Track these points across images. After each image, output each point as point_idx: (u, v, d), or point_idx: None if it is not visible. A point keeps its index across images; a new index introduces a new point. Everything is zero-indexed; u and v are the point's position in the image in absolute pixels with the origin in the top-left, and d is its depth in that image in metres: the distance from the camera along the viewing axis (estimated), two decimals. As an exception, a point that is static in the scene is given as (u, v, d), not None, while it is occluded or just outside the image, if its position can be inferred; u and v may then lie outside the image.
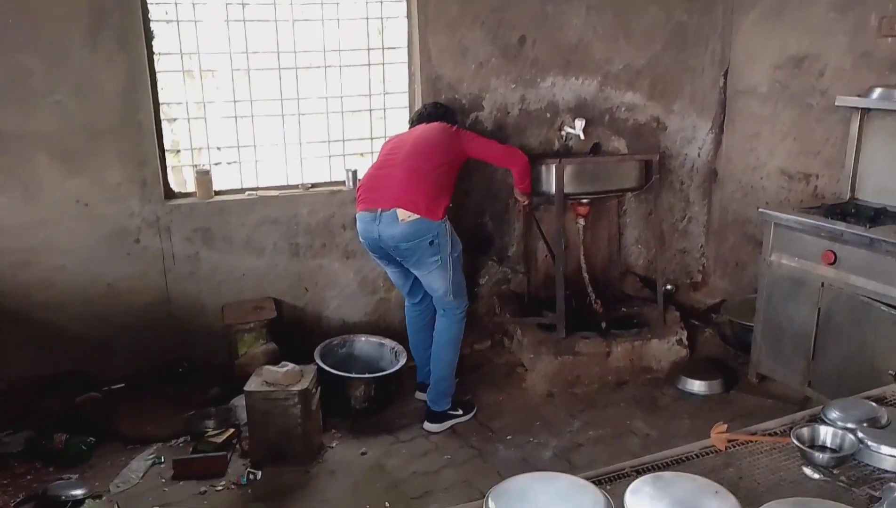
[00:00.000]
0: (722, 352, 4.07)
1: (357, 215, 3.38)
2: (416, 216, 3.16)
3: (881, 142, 3.49)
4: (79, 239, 3.55)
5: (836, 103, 3.60)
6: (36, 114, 3.36)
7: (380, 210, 3.22)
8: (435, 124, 3.52)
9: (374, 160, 3.89)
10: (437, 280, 3.32)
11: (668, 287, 4.56)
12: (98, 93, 3.44)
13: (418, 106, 3.92)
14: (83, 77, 3.40)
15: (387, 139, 3.70)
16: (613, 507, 1.61)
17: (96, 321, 3.64)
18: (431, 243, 3.21)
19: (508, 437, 3.30)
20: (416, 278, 3.47)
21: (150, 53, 3.55)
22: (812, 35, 3.90)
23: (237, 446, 3.20)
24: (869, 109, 3.50)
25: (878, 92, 3.40)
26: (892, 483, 1.80)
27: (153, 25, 3.54)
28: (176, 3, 3.57)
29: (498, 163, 3.74)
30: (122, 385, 3.65)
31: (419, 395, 3.65)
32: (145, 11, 3.49)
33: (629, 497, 1.70)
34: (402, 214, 3.17)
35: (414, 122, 3.66)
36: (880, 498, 1.72)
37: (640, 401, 3.62)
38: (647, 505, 1.67)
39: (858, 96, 3.50)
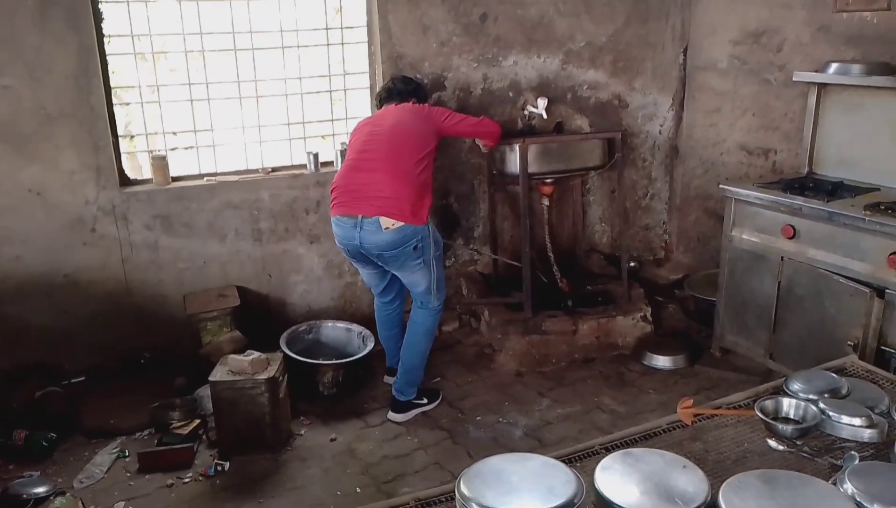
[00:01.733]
0: (686, 327, 4.13)
1: (333, 219, 3.19)
2: (401, 223, 3.03)
3: (838, 116, 3.55)
4: (34, 228, 3.44)
5: (794, 78, 3.64)
6: (-16, 100, 3.24)
7: (360, 216, 3.05)
8: (408, 107, 3.35)
9: (345, 147, 3.82)
10: (419, 279, 3.23)
11: (632, 264, 4.60)
12: (48, 75, 3.32)
13: (380, 85, 3.85)
14: (32, 59, 3.28)
15: (356, 125, 3.42)
16: (584, 485, 1.62)
17: (55, 313, 3.55)
18: (416, 248, 3.10)
19: (478, 418, 3.31)
20: (391, 278, 3.39)
21: (100, 35, 3.43)
22: (771, 9, 3.93)
23: (204, 437, 3.15)
24: (826, 84, 3.54)
25: (834, 66, 3.44)
26: (852, 452, 1.85)
27: (102, 6, 3.42)
28: (125, -18, 3.45)
29: (472, 137, 3.69)
30: (83, 378, 3.58)
31: (388, 379, 3.59)
32: (93, -9, 3.37)
33: (599, 474, 1.72)
34: (386, 222, 3.02)
35: (382, 99, 3.47)
36: (842, 467, 1.76)
37: (608, 378, 3.66)
38: (617, 482, 1.68)
39: (816, 71, 3.55)
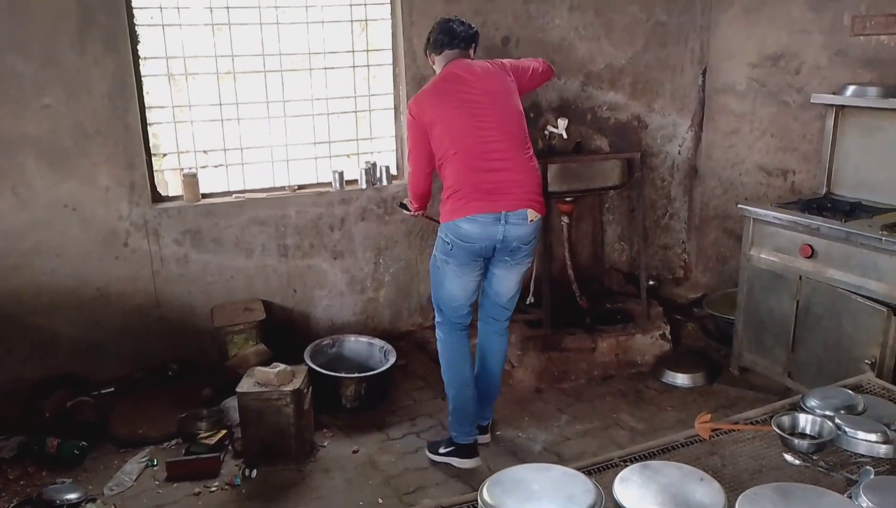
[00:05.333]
0: (704, 346, 4.15)
1: (469, 218, 2.83)
2: (539, 216, 2.93)
3: (856, 137, 3.59)
4: (68, 242, 3.56)
5: (812, 101, 3.69)
6: (25, 117, 3.37)
7: (504, 211, 2.84)
8: (488, 66, 2.96)
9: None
10: (519, 278, 3.08)
11: (651, 282, 4.64)
12: (86, 95, 3.45)
13: (403, 105, 3.94)
14: (71, 80, 3.41)
15: (430, 91, 2.91)
16: (603, 495, 1.67)
17: (86, 325, 3.65)
18: (536, 239, 3.01)
19: (498, 433, 3.36)
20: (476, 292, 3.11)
21: (136, 57, 3.56)
22: (789, 33, 3.99)
23: (230, 447, 3.22)
24: (844, 106, 3.58)
25: (851, 89, 3.49)
26: (868, 467, 1.87)
27: (138, 29, 3.56)
28: (161, 8, 3.59)
29: (539, 86, 3.44)
30: (113, 388, 3.67)
31: (483, 439, 3.22)
32: (130, 15, 3.50)
33: (618, 485, 1.77)
34: (532, 215, 2.88)
35: (443, 44, 2.96)
36: (857, 481, 1.79)
37: (626, 395, 3.69)
38: (635, 493, 1.73)
39: (833, 94, 3.59)
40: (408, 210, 3.33)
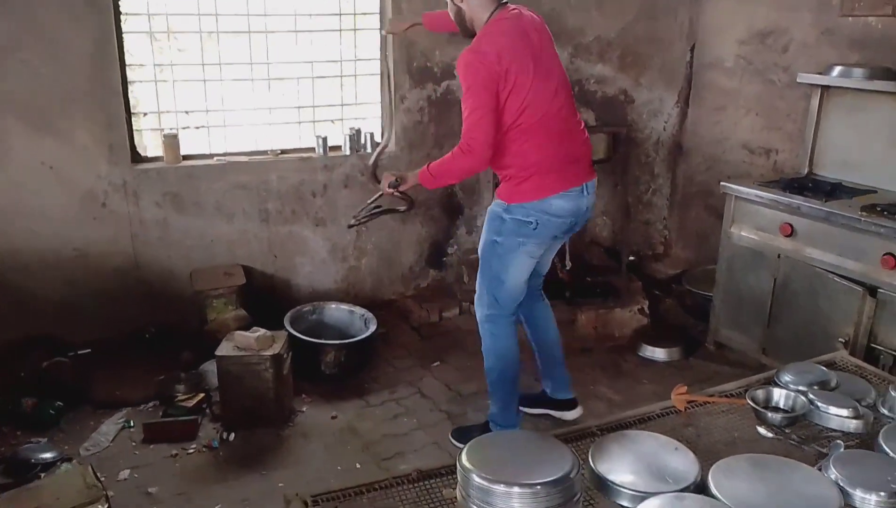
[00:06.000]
0: (682, 321, 4.20)
1: (562, 194, 2.65)
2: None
3: (840, 118, 3.61)
4: (46, 202, 3.50)
5: (798, 80, 3.70)
6: (1, 74, 3.28)
7: (585, 182, 2.72)
8: (546, 32, 2.71)
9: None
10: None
11: (632, 258, 4.67)
12: (65, 51, 3.37)
13: (391, 72, 3.89)
14: (50, 35, 3.32)
15: (502, 37, 2.54)
16: (579, 462, 1.69)
17: (64, 285, 3.61)
18: None
19: (477, 401, 3.39)
20: None
21: (118, 13, 3.48)
22: (778, 10, 3.99)
23: (208, 411, 3.22)
24: (829, 87, 3.60)
25: (837, 70, 3.50)
26: (838, 441, 1.92)
27: (120, -15, 3.48)
28: (144, -37, 3.50)
29: None
30: (89, 350, 3.63)
31: (574, 414, 3.18)
32: (112, -30, 3.42)
33: (594, 452, 1.80)
34: (595, 181, 2.82)
35: None
36: (827, 455, 1.83)
37: (604, 367, 3.73)
38: (611, 460, 1.76)
39: (819, 74, 3.60)
40: (395, 187, 2.85)
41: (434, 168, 2.68)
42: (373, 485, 1.81)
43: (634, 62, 4.49)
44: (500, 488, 1.56)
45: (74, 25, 3.35)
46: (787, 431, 2.01)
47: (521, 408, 3.12)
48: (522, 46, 2.54)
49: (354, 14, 3.97)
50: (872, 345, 3.00)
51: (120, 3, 3.48)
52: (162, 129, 3.76)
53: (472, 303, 4.17)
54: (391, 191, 2.82)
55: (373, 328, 3.71)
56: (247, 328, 3.30)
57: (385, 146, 3.34)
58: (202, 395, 3.24)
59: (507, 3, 2.61)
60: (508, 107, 2.52)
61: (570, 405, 3.20)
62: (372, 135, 4.06)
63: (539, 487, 1.55)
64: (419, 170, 2.74)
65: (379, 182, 2.92)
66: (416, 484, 1.80)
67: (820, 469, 1.75)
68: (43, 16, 3.29)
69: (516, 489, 1.55)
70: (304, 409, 3.30)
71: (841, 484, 1.66)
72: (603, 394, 3.47)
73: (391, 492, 1.79)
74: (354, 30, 4.00)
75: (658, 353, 3.83)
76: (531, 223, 2.68)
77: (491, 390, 3.01)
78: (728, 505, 1.60)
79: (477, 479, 1.58)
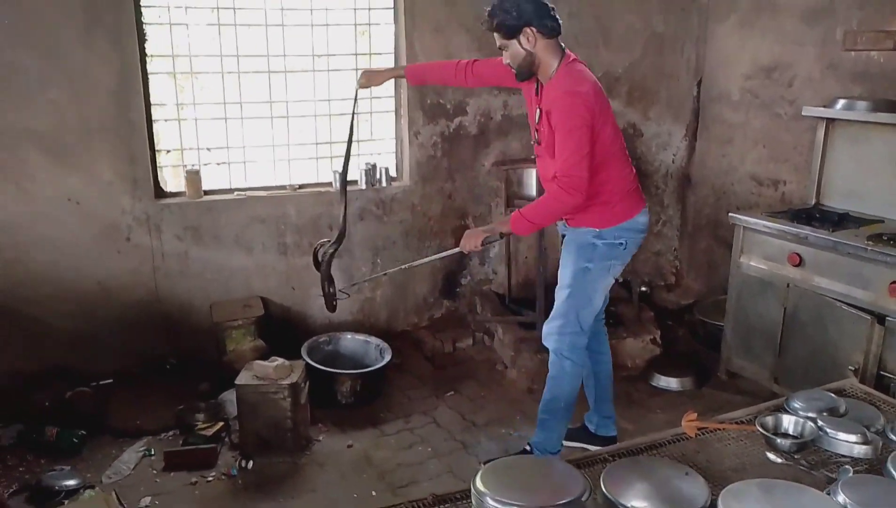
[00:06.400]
0: (694, 351, 4.23)
1: (643, 211, 2.91)
2: None
3: (845, 150, 3.67)
4: (70, 236, 3.61)
5: (803, 113, 3.78)
6: (30, 111, 3.42)
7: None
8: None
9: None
10: None
11: (643, 288, 4.71)
12: (92, 91, 3.50)
13: (406, 107, 4.00)
14: (77, 75, 3.47)
15: (591, 91, 2.66)
16: (591, 486, 1.74)
17: (86, 317, 3.70)
18: None
19: (491, 430, 3.42)
20: None
21: (143, 54, 3.62)
22: (782, 45, 4.08)
23: (226, 439, 3.28)
24: (834, 119, 3.67)
25: (841, 103, 3.58)
26: (846, 466, 1.95)
27: (146, 28, 3.62)
28: (169, 7, 3.65)
29: None
30: (111, 380, 3.72)
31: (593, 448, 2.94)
32: (138, 13, 3.56)
33: (606, 478, 1.84)
34: None
35: (557, 32, 2.69)
36: (836, 479, 1.86)
37: (617, 396, 3.72)
38: (622, 485, 1.80)
39: (824, 106, 3.68)
40: (490, 243, 2.91)
41: (531, 213, 2.72)
42: (390, 508, 1.87)
43: (642, 96, 4.59)
44: (513, 510, 1.61)
45: (100, 65, 3.50)
46: (796, 457, 2.04)
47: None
48: (601, 93, 2.74)
49: (370, 53, 4.11)
50: (882, 373, 3.02)
51: (146, 44, 3.63)
52: (184, 165, 3.88)
53: (486, 334, 4.30)
54: (481, 248, 2.88)
55: (387, 358, 3.77)
56: (265, 358, 3.36)
57: (339, 245, 3.19)
58: (221, 424, 3.30)
59: (569, 53, 2.76)
60: (601, 140, 2.69)
61: (612, 442, 3.17)
62: (387, 169, 4.17)
63: (551, 509, 1.60)
64: (506, 219, 2.80)
65: (328, 278, 3.13)
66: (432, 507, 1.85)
67: (829, 494, 1.79)
68: (71, 55, 3.44)
69: (529, 511, 1.60)
70: (321, 438, 3.35)
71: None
72: (616, 423, 3.49)
73: (408, 516, 1.84)
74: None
75: (670, 383, 3.86)
76: (622, 244, 2.85)
77: (547, 418, 3.07)
78: (737, 528, 1.63)
79: (491, 502, 1.64)
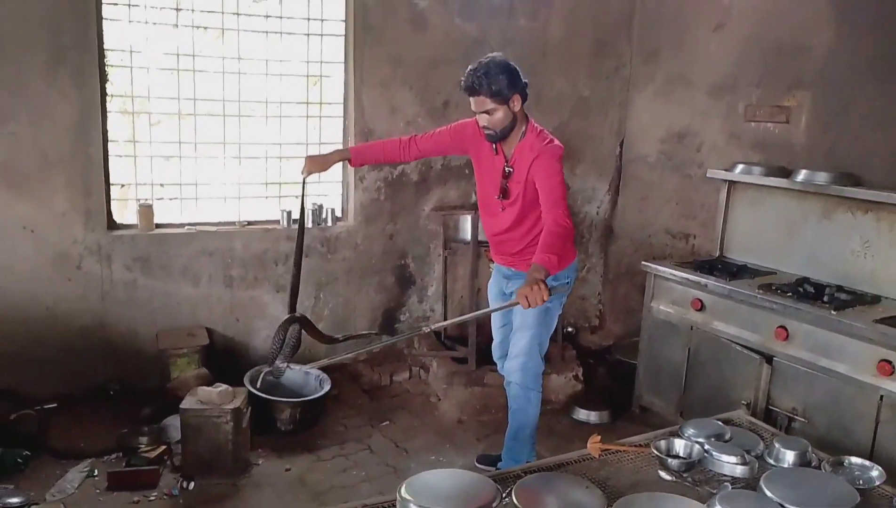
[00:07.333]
0: (612, 387, 4.57)
1: (576, 257, 3.29)
2: None
3: (744, 209, 4.12)
4: (21, 262, 3.74)
5: (708, 175, 4.24)
6: (-9, 142, 3.57)
7: None
8: None
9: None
10: None
11: (569, 329, 5.07)
12: (52, 125, 3.68)
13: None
14: (38, 109, 3.65)
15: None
16: (502, 494, 2.01)
17: (32, 341, 3.81)
18: None
19: (421, 457, 3.66)
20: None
21: (104, 92, 3.82)
22: (692, 116, 4.56)
23: (168, 462, 3.41)
24: (735, 181, 4.12)
25: (740, 167, 4.04)
26: (726, 483, 2.27)
27: (108, 69, 3.83)
28: (131, 52, 3.88)
29: None
30: (55, 404, 3.80)
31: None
32: (102, 55, 3.77)
33: (516, 490, 2.12)
34: None
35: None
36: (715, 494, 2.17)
37: (540, 428, 3.96)
38: (530, 495, 2.08)
39: (725, 170, 4.14)
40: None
41: (555, 251, 2.77)
42: (323, 518, 2.09)
43: (570, 154, 4.96)
44: (434, 515, 1.86)
45: (62, 101, 3.68)
46: (685, 475, 2.36)
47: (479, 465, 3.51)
48: None
49: (321, 103, 4.40)
50: (770, 407, 3.40)
51: (106, 84, 3.83)
52: (138, 199, 4.06)
53: (421, 368, 4.54)
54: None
55: (326, 387, 3.97)
56: (208, 385, 3.53)
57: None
58: (163, 447, 3.44)
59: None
60: None
61: None
62: (333, 210, 4.43)
63: (466, 514, 1.86)
64: (540, 266, 2.70)
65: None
66: (362, 518, 2.09)
67: (707, 507, 2.09)
68: (32, 89, 3.62)
69: (448, 515, 1.86)
70: (260, 462, 3.51)
71: (722, 518, 2.01)
72: (537, 452, 3.77)
73: (341, 525, 2.07)
74: (320, 117, 4.42)
75: (590, 416, 4.17)
76: (569, 282, 3.21)
77: (517, 447, 3.35)
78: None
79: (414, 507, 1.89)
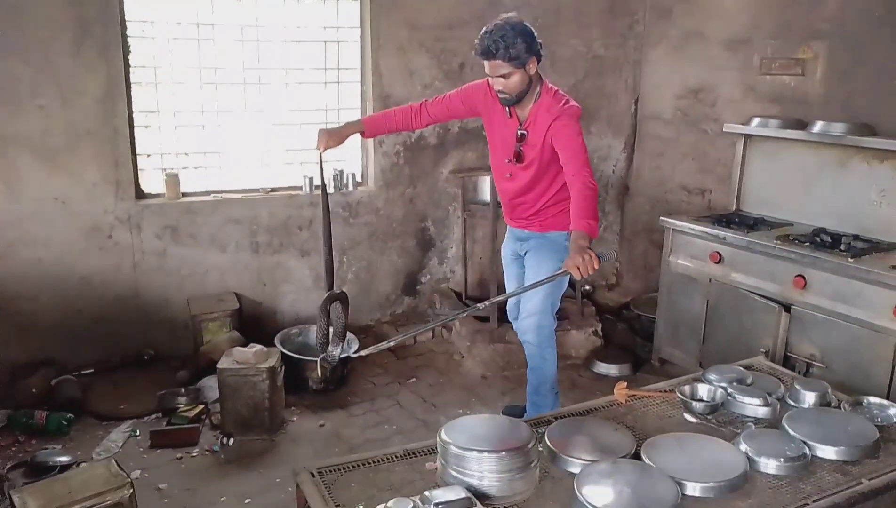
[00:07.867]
0: (631, 342, 4.67)
1: None
2: None
3: (761, 162, 4.16)
4: (56, 234, 3.84)
5: (724, 129, 4.27)
6: (21, 117, 3.66)
7: None
8: None
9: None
10: None
11: (587, 287, 5.15)
12: (79, 98, 3.75)
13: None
14: (66, 83, 3.71)
15: None
16: (536, 436, 2.11)
17: (68, 311, 3.92)
18: None
19: (448, 410, 3.78)
20: None
21: (127, 64, 3.88)
22: (708, 70, 4.57)
23: (206, 420, 3.55)
24: (751, 135, 4.16)
25: (756, 121, 4.07)
26: (750, 424, 2.37)
27: (130, 40, 3.89)
28: (152, 22, 3.93)
29: None
30: (92, 370, 3.94)
31: None
32: (124, 27, 3.83)
33: (549, 432, 2.23)
34: None
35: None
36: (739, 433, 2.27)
37: (562, 381, 4.12)
38: (562, 437, 2.19)
39: (742, 124, 4.17)
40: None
41: (592, 215, 2.78)
42: (367, 460, 2.22)
43: (585, 113, 4.93)
44: (473, 454, 1.97)
45: (88, 74, 3.75)
46: (708, 417, 2.46)
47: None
48: None
49: (338, 68, 4.44)
50: (789, 354, 3.48)
51: (129, 56, 3.89)
52: (164, 169, 4.14)
53: (444, 328, 4.65)
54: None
55: (354, 347, 4.08)
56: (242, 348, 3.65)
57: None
58: (201, 407, 3.57)
59: None
60: None
61: None
62: (353, 175, 4.51)
63: (504, 453, 1.97)
64: (583, 233, 2.72)
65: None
66: (403, 459, 2.21)
67: (733, 444, 2.20)
68: (60, 64, 3.69)
69: (486, 454, 1.96)
70: (294, 419, 3.65)
71: (748, 454, 2.11)
72: (560, 404, 3.89)
73: (383, 466, 2.19)
74: (338, 82, 4.47)
75: (610, 369, 4.28)
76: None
77: (540, 400, 3.39)
78: (655, 468, 2.03)
79: (455, 449, 2.00)
